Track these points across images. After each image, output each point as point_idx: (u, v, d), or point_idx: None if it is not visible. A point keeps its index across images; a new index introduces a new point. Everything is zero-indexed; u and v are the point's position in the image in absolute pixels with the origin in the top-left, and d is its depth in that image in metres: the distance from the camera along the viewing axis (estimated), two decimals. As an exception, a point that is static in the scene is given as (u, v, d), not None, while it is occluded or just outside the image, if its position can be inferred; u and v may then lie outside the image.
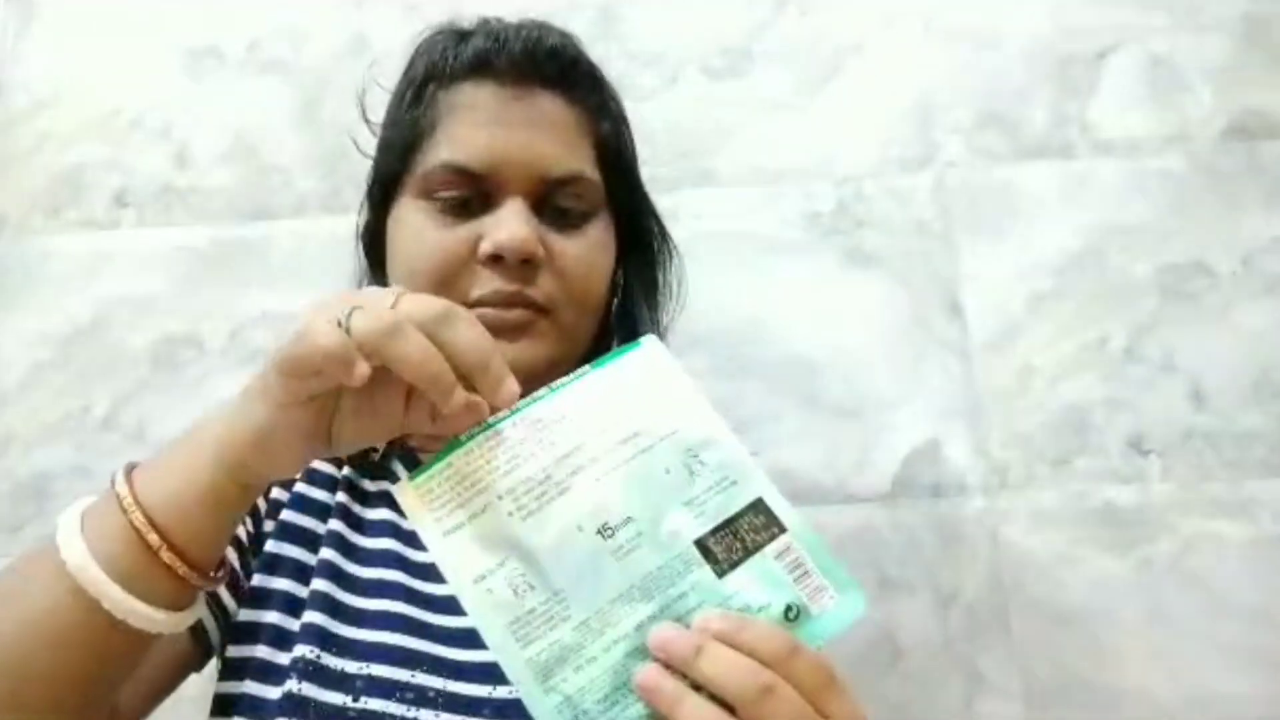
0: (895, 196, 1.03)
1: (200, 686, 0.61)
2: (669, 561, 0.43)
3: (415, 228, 0.65)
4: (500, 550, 0.44)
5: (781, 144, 1.05)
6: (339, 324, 0.43)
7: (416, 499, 0.44)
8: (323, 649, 0.57)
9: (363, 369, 0.42)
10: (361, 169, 0.75)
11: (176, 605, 0.47)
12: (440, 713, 0.56)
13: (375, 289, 0.47)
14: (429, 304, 0.44)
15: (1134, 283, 0.99)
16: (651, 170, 0.77)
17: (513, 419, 0.45)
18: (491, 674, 0.58)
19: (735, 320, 1.00)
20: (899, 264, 1.01)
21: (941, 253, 1.01)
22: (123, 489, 0.46)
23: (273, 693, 0.56)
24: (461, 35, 0.69)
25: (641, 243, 0.75)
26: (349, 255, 0.77)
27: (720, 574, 0.43)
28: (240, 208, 1.07)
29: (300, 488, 0.66)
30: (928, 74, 1.05)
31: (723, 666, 0.40)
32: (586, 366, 0.48)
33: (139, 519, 0.45)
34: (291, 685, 0.55)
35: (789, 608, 0.42)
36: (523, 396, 0.46)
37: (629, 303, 0.75)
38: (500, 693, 0.58)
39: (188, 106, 1.10)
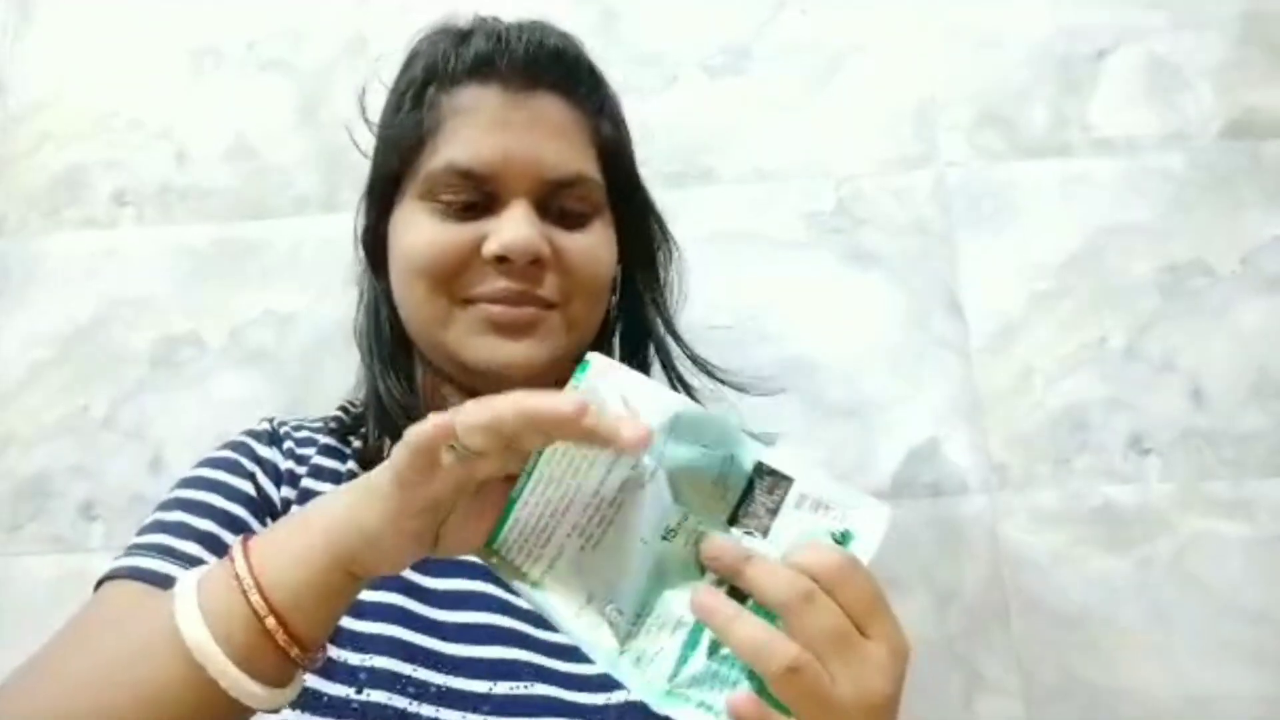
0: (895, 196, 1.03)
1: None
2: None
3: (418, 228, 0.65)
4: (584, 586, 0.45)
5: (781, 144, 1.05)
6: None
7: (501, 563, 0.46)
8: (328, 641, 0.57)
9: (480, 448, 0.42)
10: (361, 169, 0.75)
11: (282, 683, 0.47)
12: (441, 708, 0.57)
13: None
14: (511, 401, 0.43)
15: (1134, 282, 0.98)
16: (651, 170, 0.77)
17: (545, 457, 0.45)
18: (492, 670, 0.59)
19: (735, 320, 1.00)
20: (899, 263, 1.01)
21: (941, 252, 1.01)
22: (243, 569, 0.46)
23: None
24: (462, 36, 0.69)
25: (643, 240, 0.76)
26: (349, 255, 0.77)
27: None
28: (240, 208, 1.07)
29: (308, 483, 0.67)
30: (928, 74, 1.05)
31: (765, 574, 0.42)
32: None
33: (258, 601, 0.45)
34: None
35: (833, 535, 0.44)
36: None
37: (632, 301, 0.75)
38: (500, 689, 0.58)
39: (188, 106, 1.10)
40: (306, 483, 0.67)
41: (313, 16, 1.11)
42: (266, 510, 0.65)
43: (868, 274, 1.01)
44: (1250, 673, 0.89)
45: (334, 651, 0.57)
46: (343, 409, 0.73)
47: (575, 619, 0.45)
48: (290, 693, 0.48)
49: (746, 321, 1.00)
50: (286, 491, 0.66)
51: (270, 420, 0.72)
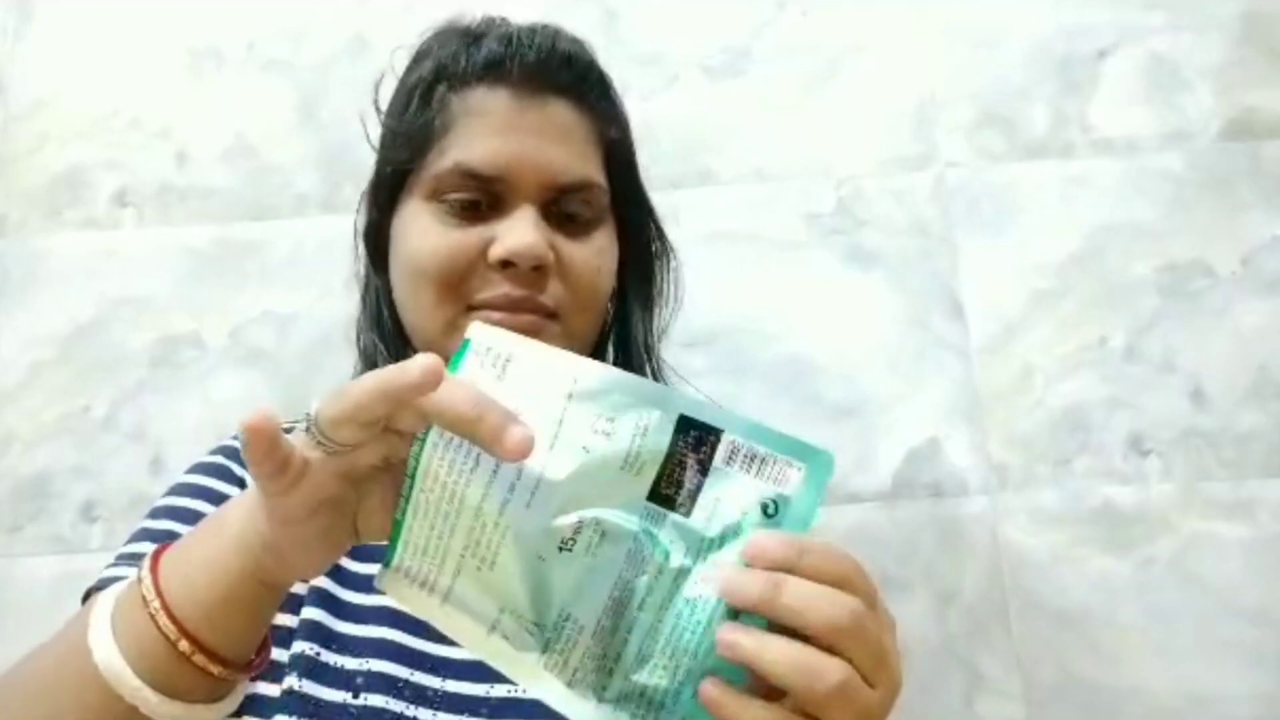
0: (895, 196, 1.03)
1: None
2: (638, 535, 0.41)
3: (423, 228, 0.65)
4: (493, 600, 0.43)
5: (781, 144, 1.05)
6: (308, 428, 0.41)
7: (398, 586, 0.44)
8: (322, 645, 0.57)
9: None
10: (362, 168, 0.75)
11: (215, 697, 0.46)
12: (438, 711, 0.56)
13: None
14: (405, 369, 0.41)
15: (1134, 283, 0.98)
16: (651, 171, 0.77)
17: (415, 483, 0.42)
18: (488, 673, 0.59)
19: (735, 320, 1.00)
20: (899, 264, 1.01)
21: (941, 253, 1.01)
22: (149, 591, 0.44)
23: (273, 689, 0.56)
24: (473, 36, 0.69)
25: (640, 248, 0.76)
26: (349, 255, 0.77)
27: (687, 513, 0.41)
28: (240, 208, 1.07)
29: None
30: (928, 74, 1.05)
31: (806, 599, 0.39)
32: None
33: (166, 624, 0.44)
34: (291, 682, 0.55)
35: (764, 505, 0.41)
36: None
37: (625, 308, 0.75)
38: (497, 691, 0.58)
39: (188, 106, 1.10)
40: None
41: (313, 16, 1.11)
42: None
43: (868, 274, 1.01)
44: (1250, 672, 0.89)
45: (330, 657, 0.57)
46: None
47: (487, 641, 0.43)
48: (229, 704, 0.47)
49: (746, 322, 1.00)
50: None
51: None
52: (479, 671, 0.59)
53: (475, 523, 0.42)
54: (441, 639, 0.60)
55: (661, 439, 0.41)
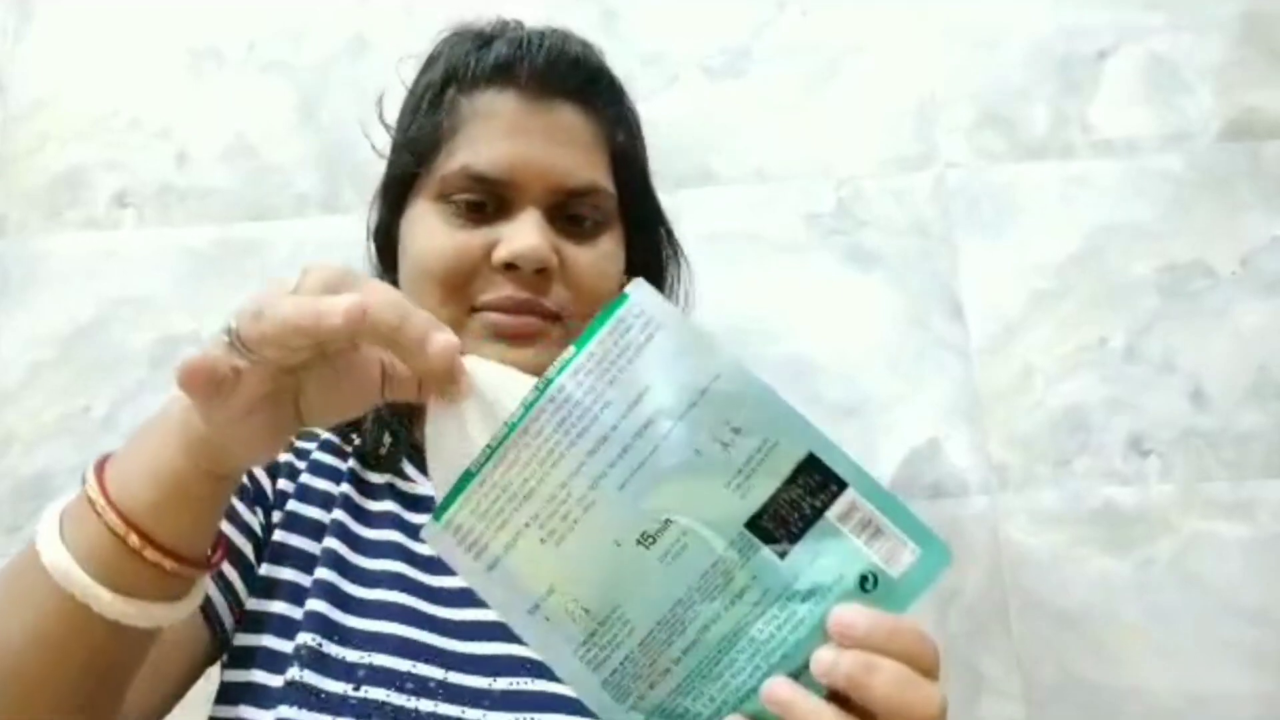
0: (895, 196, 1.03)
1: (198, 687, 0.61)
2: (723, 555, 0.40)
3: (429, 228, 0.66)
4: (544, 578, 0.41)
5: (781, 144, 1.05)
6: (227, 335, 0.40)
7: (445, 543, 0.41)
8: (325, 637, 0.58)
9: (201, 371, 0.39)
10: (362, 169, 0.75)
11: (173, 597, 0.46)
12: (440, 703, 0.57)
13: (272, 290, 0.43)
14: (325, 268, 0.42)
15: (1134, 283, 0.99)
16: (652, 171, 0.77)
17: (513, 436, 0.40)
18: (492, 666, 0.59)
19: (735, 320, 1.00)
20: (899, 264, 1.01)
21: (941, 253, 1.01)
22: (95, 492, 0.44)
23: (276, 680, 0.57)
24: (484, 40, 0.70)
25: (649, 253, 0.76)
26: (349, 255, 0.77)
27: (782, 554, 0.39)
28: (240, 208, 1.07)
29: (306, 479, 0.67)
30: (928, 74, 1.05)
31: (897, 687, 0.38)
32: (571, 348, 0.41)
33: (114, 521, 0.43)
34: (294, 672, 0.56)
35: (864, 577, 0.39)
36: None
37: None
38: (500, 684, 0.58)
39: (188, 106, 1.10)
40: (305, 479, 0.67)
41: (313, 16, 1.11)
42: (259, 500, 0.65)
43: (868, 275, 1.01)
44: (1250, 672, 0.89)
45: (332, 648, 0.58)
46: None
47: (528, 617, 0.41)
48: (187, 605, 0.47)
49: (746, 322, 1.00)
50: (284, 484, 0.66)
51: None
52: (482, 664, 0.59)
53: (559, 492, 0.40)
54: (445, 631, 0.60)
55: (781, 469, 0.39)
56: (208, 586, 0.57)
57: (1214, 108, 1.02)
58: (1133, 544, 0.92)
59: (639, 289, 0.41)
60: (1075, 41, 1.05)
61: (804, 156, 1.05)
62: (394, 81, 0.75)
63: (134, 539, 0.43)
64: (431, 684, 0.58)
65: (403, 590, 0.62)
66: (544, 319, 0.65)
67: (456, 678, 0.58)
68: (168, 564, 0.44)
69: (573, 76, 0.68)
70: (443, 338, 0.40)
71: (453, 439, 0.42)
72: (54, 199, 1.08)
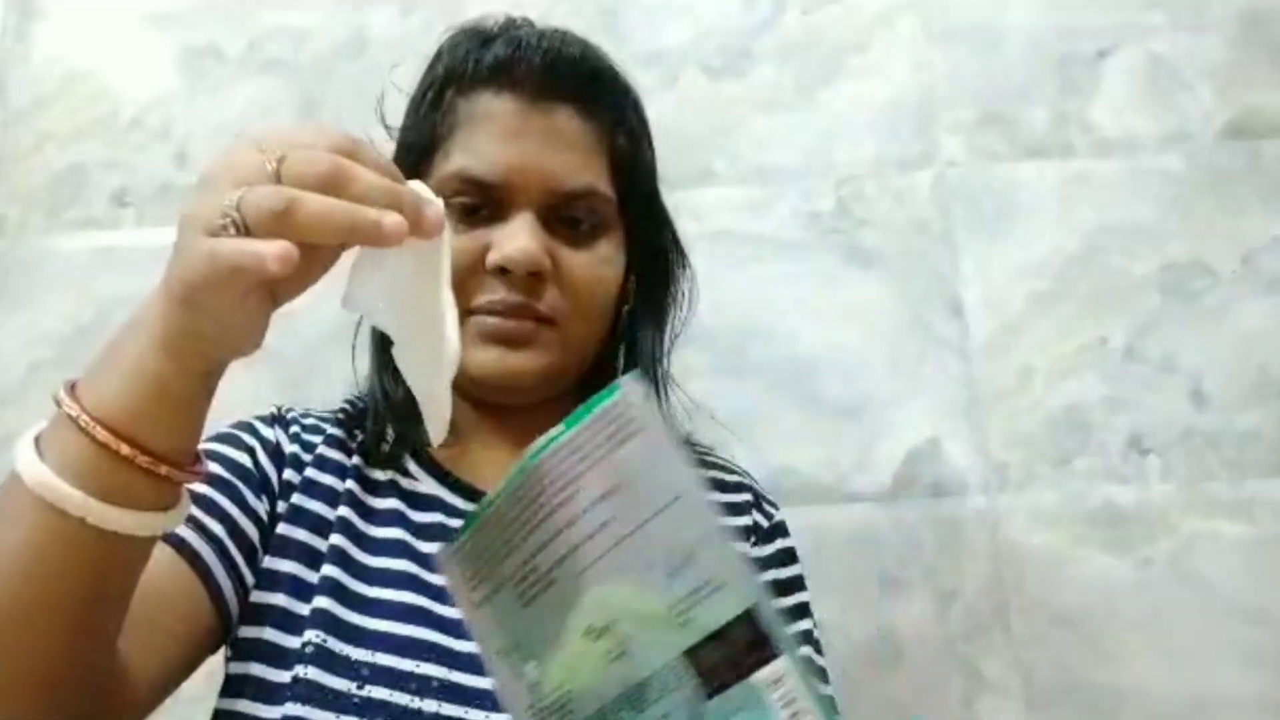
0: (895, 196, 1.03)
1: (201, 687, 0.61)
2: (657, 672, 0.40)
3: None
4: (515, 631, 0.44)
5: (781, 144, 1.05)
6: (226, 227, 0.41)
7: (454, 568, 0.45)
8: (331, 635, 0.58)
9: (279, 261, 0.40)
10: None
11: (162, 505, 0.46)
12: (443, 703, 0.57)
13: (243, 156, 0.45)
14: (314, 162, 0.42)
15: (1134, 283, 0.99)
16: (653, 170, 0.77)
17: (507, 492, 0.43)
18: None
19: (735, 320, 1.00)
20: (899, 263, 1.01)
21: (941, 252, 1.01)
22: (73, 409, 0.44)
23: (282, 676, 0.57)
24: (484, 40, 0.69)
25: (652, 257, 0.75)
26: (348, 255, 0.76)
27: (708, 694, 0.39)
28: (240, 208, 1.07)
29: (311, 473, 0.66)
30: (928, 74, 1.05)
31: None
32: (560, 426, 0.42)
33: (104, 435, 0.43)
34: (300, 670, 0.56)
35: None
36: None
37: (635, 315, 0.75)
38: None
39: (188, 106, 1.10)
40: (310, 472, 0.66)
41: (313, 16, 1.11)
42: (262, 487, 0.64)
43: (868, 274, 1.01)
44: (1250, 673, 0.89)
45: (338, 646, 0.58)
46: (349, 403, 0.74)
47: (498, 658, 0.44)
48: (177, 516, 0.47)
49: (746, 321, 1.00)
50: (290, 475, 0.66)
51: (279, 407, 0.72)
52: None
53: (531, 559, 0.42)
54: (450, 630, 0.60)
55: (720, 614, 0.39)
56: (211, 564, 0.58)
57: (1214, 107, 1.02)
58: (1133, 544, 0.92)
59: (631, 385, 0.41)
60: (1075, 41, 1.05)
61: (804, 156, 1.04)
62: (394, 84, 0.75)
63: (125, 448, 0.43)
64: (435, 683, 0.58)
65: (408, 589, 0.62)
66: (537, 322, 0.65)
67: (460, 677, 0.58)
68: (162, 469, 0.44)
69: (571, 78, 0.67)
70: (433, 210, 0.43)
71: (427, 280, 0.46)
72: (54, 199, 1.08)
